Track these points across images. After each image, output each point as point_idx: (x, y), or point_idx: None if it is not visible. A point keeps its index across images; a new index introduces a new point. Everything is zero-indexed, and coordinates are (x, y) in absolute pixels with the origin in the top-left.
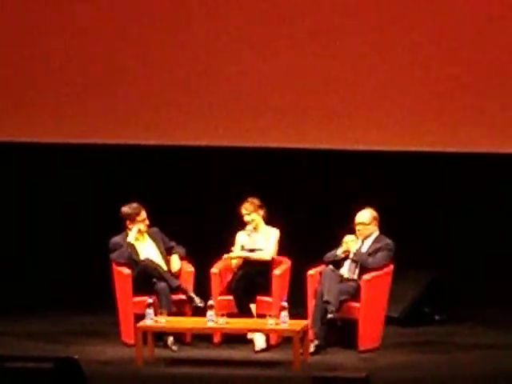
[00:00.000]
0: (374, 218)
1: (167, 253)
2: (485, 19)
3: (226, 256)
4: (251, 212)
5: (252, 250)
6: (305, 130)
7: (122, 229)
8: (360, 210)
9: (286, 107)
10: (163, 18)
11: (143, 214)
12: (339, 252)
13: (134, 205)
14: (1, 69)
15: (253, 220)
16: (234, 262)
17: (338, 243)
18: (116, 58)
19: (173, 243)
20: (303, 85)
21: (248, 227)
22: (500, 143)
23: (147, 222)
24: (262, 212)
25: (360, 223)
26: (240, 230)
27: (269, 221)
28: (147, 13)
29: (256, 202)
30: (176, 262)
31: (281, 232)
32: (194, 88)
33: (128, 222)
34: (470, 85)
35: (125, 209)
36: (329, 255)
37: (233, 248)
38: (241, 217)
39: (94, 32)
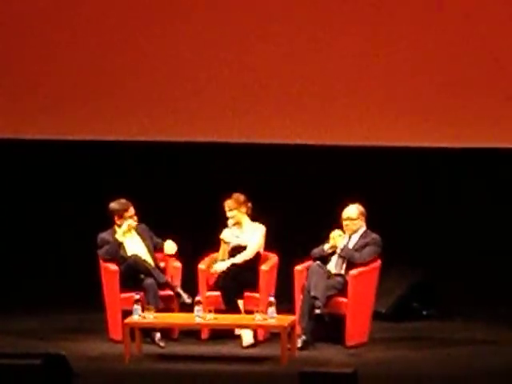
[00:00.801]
0: (361, 214)
1: (155, 248)
2: (486, 18)
3: (212, 270)
4: (233, 208)
5: (237, 247)
6: (292, 126)
7: (109, 225)
8: (347, 205)
9: (275, 103)
10: (160, 14)
11: (131, 210)
12: (326, 247)
13: (122, 201)
14: None
15: (233, 217)
16: (220, 258)
17: (325, 239)
18: (109, 55)
19: (160, 240)
20: (293, 81)
21: (229, 223)
22: (492, 139)
23: (135, 218)
24: (245, 209)
25: (347, 218)
26: (226, 226)
27: (256, 217)
28: (145, 9)
29: (241, 198)
30: (171, 246)
31: (268, 228)
32: (186, 84)
33: (116, 218)
34: (465, 80)
35: (113, 204)
36: (316, 251)
37: (221, 248)
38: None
39: (93, 30)
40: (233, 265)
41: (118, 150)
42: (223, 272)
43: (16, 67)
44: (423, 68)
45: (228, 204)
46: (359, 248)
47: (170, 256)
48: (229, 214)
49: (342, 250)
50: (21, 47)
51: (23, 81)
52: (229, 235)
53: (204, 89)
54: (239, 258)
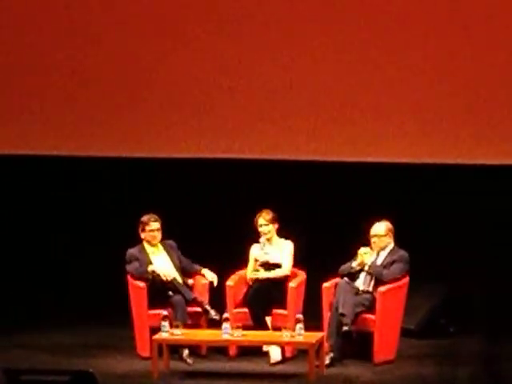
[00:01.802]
0: (390, 230)
1: (191, 273)
2: (491, 27)
3: (248, 277)
4: (269, 223)
5: (266, 263)
6: (319, 143)
7: (138, 241)
8: (375, 222)
9: (300, 118)
10: (166, 28)
11: (152, 225)
12: (354, 264)
13: (149, 215)
14: None
15: (269, 231)
16: (249, 275)
17: (353, 255)
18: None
19: (197, 266)
20: (322, 96)
21: (261, 239)
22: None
23: (157, 233)
24: (276, 225)
25: (375, 235)
26: (254, 243)
27: (283, 233)
28: (149, 23)
29: (271, 213)
30: (209, 274)
31: (296, 244)
32: (207, 100)
33: (140, 231)
34: (480, 97)
35: (142, 217)
36: (344, 267)
37: (249, 264)
38: (255, 229)
39: (103, 38)
40: (267, 279)
41: (149, 167)
42: (251, 289)
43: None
44: (451, 83)
45: (265, 218)
46: (387, 265)
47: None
48: (264, 228)
49: (370, 267)
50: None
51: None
52: (258, 252)
53: (228, 104)
54: (275, 273)
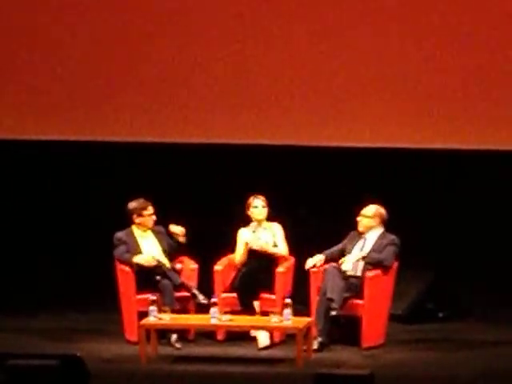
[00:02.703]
0: (378, 215)
1: (172, 251)
2: (489, 18)
3: (237, 262)
4: (265, 206)
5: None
6: (310, 128)
7: (126, 225)
8: (364, 206)
9: (291, 104)
10: (161, 17)
11: (150, 209)
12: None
13: (141, 200)
14: None
15: (262, 214)
16: (238, 259)
17: (341, 240)
18: (111, 54)
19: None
20: (311, 82)
21: (252, 224)
22: (504, 140)
23: (154, 217)
24: (268, 209)
25: (361, 215)
26: (242, 226)
27: (272, 218)
28: (144, 13)
29: (264, 197)
30: (177, 228)
31: (284, 229)
32: (196, 84)
33: (135, 217)
34: (471, 80)
35: (132, 203)
36: (327, 253)
37: (237, 248)
38: (243, 213)
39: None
40: (251, 259)
41: (135, 152)
42: (239, 273)
43: (21, 71)
44: (444, 67)
45: (262, 200)
46: (377, 249)
47: (177, 236)
48: (260, 210)
49: (367, 256)
50: (24, 49)
51: (28, 82)
52: (250, 236)
53: (219, 90)
54: (277, 250)
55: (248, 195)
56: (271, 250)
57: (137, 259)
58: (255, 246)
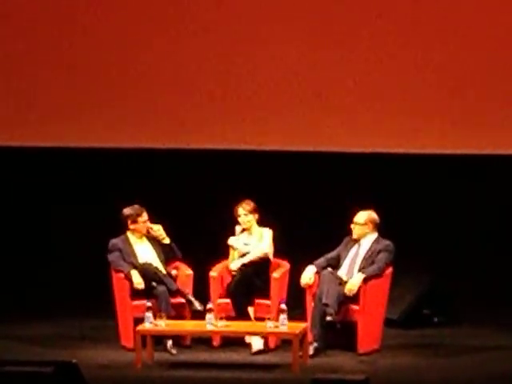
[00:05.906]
0: (370, 221)
1: (167, 258)
2: (488, 20)
3: (231, 268)
4: (248, 213)
5: (245, 254)
6: (304, 133)
7: (121, 231)
8: (358, 212)
9: (285, 109)
10: (163, 21)
11: (145, 216)
12: (329, 256)
13: (136, 206)
14: None
15: (249, 221)
16: (233, 266)
17: (336, 246)
18: (110, 60)
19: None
20: (304, 88)
21: (237, 228)
22: (499, 145)
23: (149, 224)
24: (256, 215)
25: (354, 222)
26: (231, 235)
27: (266, 224)
28: (146, 18)
29: (252, 204)
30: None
31: (279, 234)
32: (190, 90)
33: (129, 223)
34: (469, 85)
35: (127, 210)
36: (319, 261)
37: (230, 255)
38: (235, 219)
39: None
40: (243, 265)
41: (129, 158)
42: (233, 279)
43: (21, 75)
44: (437, 72)
45: (245, 208)
46: (372, 254)
47: (160, 237)
48: (244, 218)
49: (364, 271)
50: (24, 53)
51: (27, 89)
52: (237, 242)
53: (212, 97)
54: (248, 258)
55: (239, 201)
56: (247, 260)
57: (130, 274)
58: (233, 264)
